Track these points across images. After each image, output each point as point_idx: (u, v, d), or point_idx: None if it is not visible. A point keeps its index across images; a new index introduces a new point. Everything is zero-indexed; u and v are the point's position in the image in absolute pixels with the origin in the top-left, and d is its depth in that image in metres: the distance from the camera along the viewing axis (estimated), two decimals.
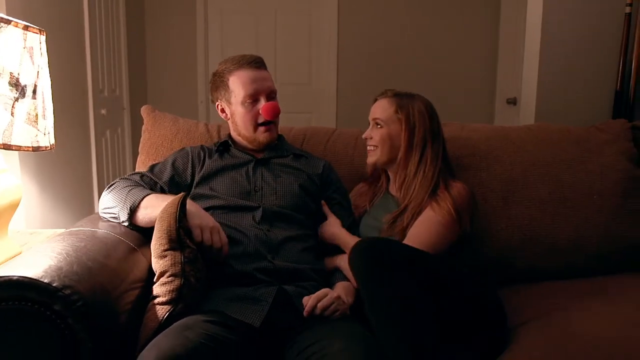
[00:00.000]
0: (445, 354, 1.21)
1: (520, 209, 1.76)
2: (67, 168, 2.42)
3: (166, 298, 1.30)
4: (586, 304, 1.53)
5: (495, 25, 3.64)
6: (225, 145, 1.72)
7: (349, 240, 1.55)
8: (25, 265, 1.13)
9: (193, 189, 1.61)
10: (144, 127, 1.90)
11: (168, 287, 1.30)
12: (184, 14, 4.01)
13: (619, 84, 2.30)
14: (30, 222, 2.03)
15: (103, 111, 2.97)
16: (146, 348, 1.14)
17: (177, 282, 1.30)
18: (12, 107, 1.28)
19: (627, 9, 2.24)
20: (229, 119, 1.70)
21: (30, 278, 1.08)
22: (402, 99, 1.64)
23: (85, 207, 2.57)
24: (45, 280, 1.08)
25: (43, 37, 1.38)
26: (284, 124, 1.84)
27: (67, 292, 1.09)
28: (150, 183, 1.58)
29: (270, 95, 1.67)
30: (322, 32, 4.10)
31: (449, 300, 1.34)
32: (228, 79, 1.66)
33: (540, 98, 2.31)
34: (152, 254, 1.34)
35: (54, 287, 1.08)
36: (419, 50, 3.94)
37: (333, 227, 1.62)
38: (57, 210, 2.25)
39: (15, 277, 1.08)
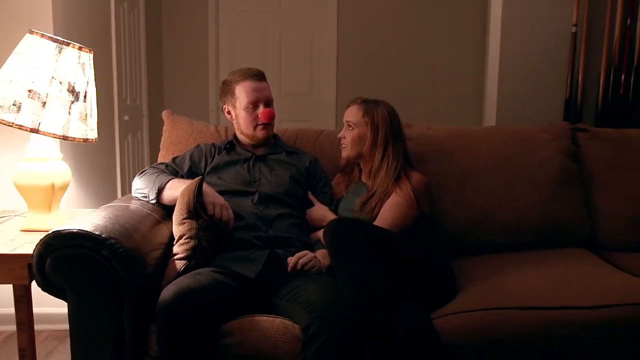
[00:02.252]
0: (394, 302, 1.56)
1: (472, 194, 2.13)
2: (96, 163, 2.83)
3: (183, 255, 1.68)
4: (522, 268, 1.88)
5: (484, 40, 3.95)
6: (231, 144, 2.09)
7: None
8: (80, 223, 1.51)
9: (206, 177, 2.00)
10: (164, 128, 2.28)
11: (185, 247, 1.69)
12: (197, 31, 4.36)
13: (568, 93, 2.68)
14: (67, 203, 2.42)
15: (126, 117, 3.37)
16: (168, 285, 1.53)
17: (192, 243, 1.68)
18: (69, 108, 1.69)
19: (573, 29, 2.62)
20: (233, 120, 2.08)
21: (85, 231, 1.47)
22: (369, 105, 1.99)
23: (109, 195, 2.97)
24: (96, 233, 1.47)
25: (91, 55, 1.79)
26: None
27: (112, 241, 1.47)
28: (173, 171, 1.96)
29: (268, 103, 2.03)
30: (322, 47, 4.45)
31: (402, 264, 1.70)
32: (235, 88, 2.03)
33: (500, 106, 2.69)
34: (174, 222, 1.73)
35: (103, 237, 1.47)
36: (412, 62, 4.23)
37: (323, 210, 1.98)
38: (88, 196, 2.65)
39: (74, 230, 1.47)
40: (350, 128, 2.01)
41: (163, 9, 4.33)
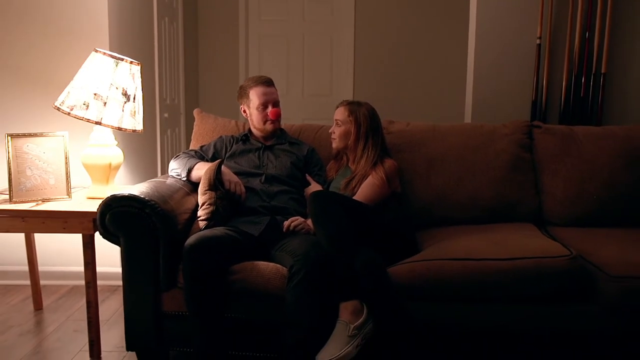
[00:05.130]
0: (357, 251, 2.05)
1: (437, 178, 2.60)
2: (142, 151, 3.44)
3: (205, 217, 2.24)
4: (469, 235, 2.32)
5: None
6: (246, 136, 2.64)
7: None
8: (131, 190, 2.10)
9: (225, 161, 2.56)
10: (195, 123, 2.84)
11: (206, 211, 2.24)
12: (229, 39, 4.96)
13: (534, 96, 3.13)
14: (118, 180, 3.02)
15: (166, 115, 3.98)
16: (192, 235, 2.10)
17: (211, 208, 2.24)
18: (123, 107, 2.28)
19: (537, 41, 3.06)
20: (248, 117, 2.63)
21: (134, 195, 2.05)
22: (353, 106, 2.48)
23: (151, 176, 3.54)
24: (141, 196, 2.05)
25: (139, 67, 2.38)
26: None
27: (153, 203, 2.05)
28: (200, 156, 2.52)
29: (275, 104, 2.55)
30: (341, 51, 4.97)
31: (369, 227, 2.20)
32: (249, 92, 2.57)
33: (475, 108, 3.16)
34: (199, 193, 2.28)
35: (146, 200, 2.05)
36: (415, 69, 4.81)
37: (317, 188, 2.50)
38: (134, 175, 3.26)
39: (127, 194, 2.05)
40: (339, 125, 2.51)
41: (199, 21, 4.95)
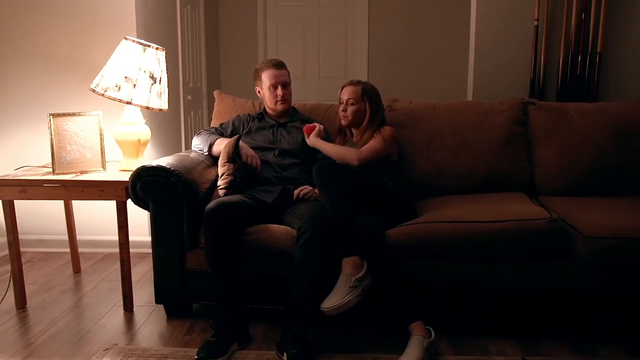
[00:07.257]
0: (357, 214, 2.30)
1: (436, 151, 2.82)
2: (167, 130, 3.73)
3: (223, 186, 2.50)
4: (463, 202, 2.55)
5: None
6: (261, 114, 2.90)
7: None
8: (158, 162, 2.38)
9: (242, 137, 2.82)
10: (215, 103, 3.10)
11: (225, 181, 2.51)
12: (248, 24, 5.22)
13: (532, 74, 3.31)
14: (147, 155, 3.31)
15: (189, 97, 4.26)
16: (212, 201, 2.37)
17: (229, 178, 2.51)
18: (150, 88, 2.56)
19: (535, 22, 3.23)
20: (262, 97, 2.88)
21: (162, 166, 2.33)
22: (365, 85, 2.69)
23: (175, 152, 3.83)
24: (168, 167, 2.33)
25: (164, 53, 2.65)
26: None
27: (178, 172, 2.33)
28: (220, 133, 2.78)
29: (285, 85, 2.79)
30: (355, 35, 5.20)
31: (369, 195, 2.44)
32: (261, 74, 2.81)
33: (477, 87, 3.35)
34: (219, 165, 2.54)
35: (172, 169, 2.32)
36: (423, 52, 5.08)
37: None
38: (161, 152, 3.56)
39: (155, 165, 2.33)
40: (351, 103, 2.71)
41: (220, 7, 5.21)
